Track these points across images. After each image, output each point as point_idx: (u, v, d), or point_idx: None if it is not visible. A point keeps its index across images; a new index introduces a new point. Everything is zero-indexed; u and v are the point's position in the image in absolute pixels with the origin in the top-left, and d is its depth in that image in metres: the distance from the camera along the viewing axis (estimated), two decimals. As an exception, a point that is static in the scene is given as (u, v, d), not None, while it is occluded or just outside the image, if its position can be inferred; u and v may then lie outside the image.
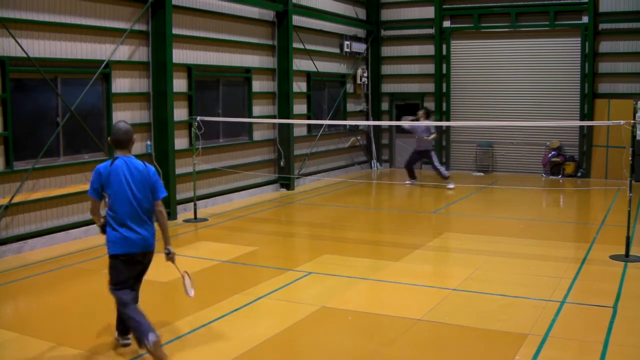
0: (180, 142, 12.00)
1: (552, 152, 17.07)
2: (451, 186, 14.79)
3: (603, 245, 9.34)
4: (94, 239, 9.95)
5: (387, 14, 19.29)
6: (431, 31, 18.54)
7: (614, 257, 8.60)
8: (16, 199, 9.02)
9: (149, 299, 7.24)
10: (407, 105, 19.25)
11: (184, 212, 11.82)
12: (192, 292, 5.88)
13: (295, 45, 15.27)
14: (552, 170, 17.07)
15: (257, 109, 14.41)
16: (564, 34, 16.98)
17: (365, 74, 18.94)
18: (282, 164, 14.99)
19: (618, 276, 7.80)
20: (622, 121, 8.81)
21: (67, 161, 9.95)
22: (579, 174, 16.83)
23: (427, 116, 15.37)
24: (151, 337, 5.17)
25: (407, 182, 15.58)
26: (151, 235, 5.53)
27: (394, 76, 19.32)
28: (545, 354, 5.50)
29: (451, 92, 18.46)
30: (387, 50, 19.38)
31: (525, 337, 5.85)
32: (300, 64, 15.72)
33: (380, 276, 8.07)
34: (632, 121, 9.12)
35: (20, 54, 8.99)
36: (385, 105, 19.55)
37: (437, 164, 15.29)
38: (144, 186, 5.43)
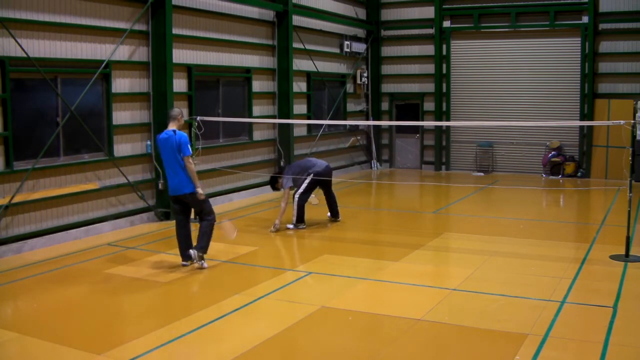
0: (180, 142, 11.98)
1: (552, 152, 17.08)
2: (296, 227, 10.80)
3: (603, 245, 9.34)
4: (94, 239, 9.96)
5: (387, 14, 19.30)
6: (431, 31, 18.55)
7: (614, 257, 8.60)
8: (16, 199, 9.02)
9: (149, 299, 7.25)
10: (408, 105, 19.26)
11: (184, 212, 11.80)
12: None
13: (295, 45, 15.27)
14: (552, 170, 17.08)
15: (257, 109, 14.41)
16: (564, 34, 16.99)
17: (365, 74, 18.94)
18: (282, 164, 14.99)
19: (618, 276, 7.80)
20: (622, 121, 8.82)
21: (67, 161, 9.94)
22: (579, 174, 16.83)
23: None
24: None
25: (290, 225, 10.82)
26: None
27: (394, 76, 19.32)
28: (545, 354, 5.50)
29: (451, 92, 18.46)
30: (387, 50, 19.39)
31: (525, 337, 5.85)
32: (300, 64, 15.72)
33: (380, 276, 8.06)
34: (632, 121, 9.12)
35: (20, 54, 8.99)
36: (385, 105, 19.55)
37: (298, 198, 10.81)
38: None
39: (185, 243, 8.30)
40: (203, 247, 8.19)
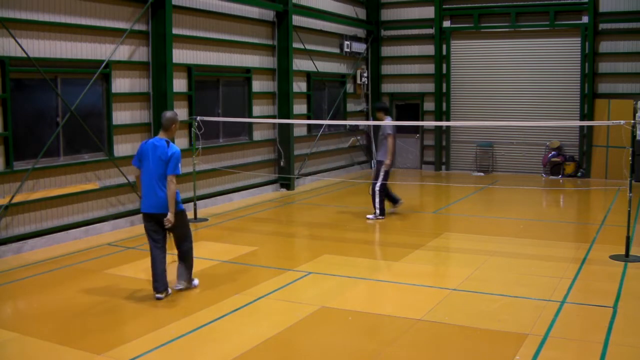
0: (180, 142, 11.99)
1: (552, 152, 17.08)
2: (394, 209, 11.96)
3: (603, 245, 9.35)
4: (94, 239, 9.96)
5: (387, 14, 19.30)
6: (431, 31, 18.55)
7: (614, 257, 8.60)
8: (16, 199, 9.02)
9: (149, 299, 7.24)
10: (408, 105, 19.26)
11: (184, 212, 11.81)
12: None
13: (295, 45, 15.27)
14: (552, 170, 17.08)
15: (257, 109, 14.41)
16: (564, 34, 16.99)
17: (365, 74, 18.95)
18: (282, 164, 15.00)
19: (618, 276, 7.80)
20: (622, 121, 8.82)
21: (67, 161, 9.95)
22: (579, 174, 16.83)
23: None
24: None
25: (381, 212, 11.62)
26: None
27: (394, 76, 19.32)
28: (545, 354, 5.51)
29: (451, 92, 18.46)
30: (387, 50, 19.39)
31: (525, 337, 5.85)
32: (300, 64, 15.72)
33: (380, 276, 8.07)
34: (632, 121, 9.12)
35: (20, 54, 8.99)
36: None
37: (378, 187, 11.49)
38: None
39: (162, 271, 7.13)
40: (188, 279, 7.44)
